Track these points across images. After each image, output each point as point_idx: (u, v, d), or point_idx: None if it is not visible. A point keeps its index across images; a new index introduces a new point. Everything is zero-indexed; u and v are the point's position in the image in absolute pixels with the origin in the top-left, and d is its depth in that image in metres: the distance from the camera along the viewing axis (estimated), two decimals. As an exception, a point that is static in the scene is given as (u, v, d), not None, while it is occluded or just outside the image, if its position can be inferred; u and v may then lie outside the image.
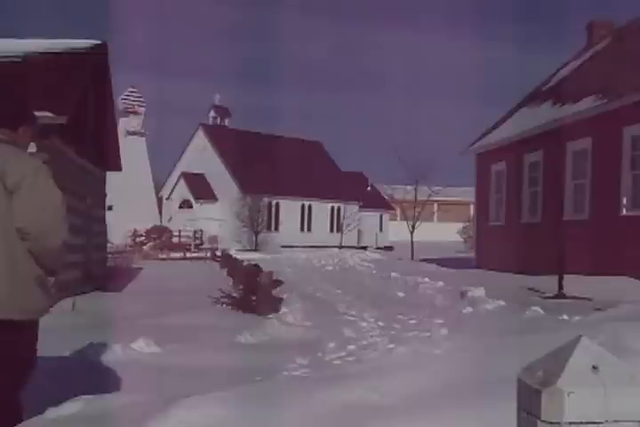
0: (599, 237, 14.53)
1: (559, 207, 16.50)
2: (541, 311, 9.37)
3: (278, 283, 10.94)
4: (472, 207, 32.89)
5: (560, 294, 11.71)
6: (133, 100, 47.34)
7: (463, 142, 24.15)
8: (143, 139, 48.01)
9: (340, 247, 41.46)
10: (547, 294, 11.93)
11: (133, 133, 46.35)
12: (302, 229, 47.66)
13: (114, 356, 6.54)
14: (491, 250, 20.39)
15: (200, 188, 45.98)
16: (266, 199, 43.17)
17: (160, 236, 39.59)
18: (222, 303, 10.58)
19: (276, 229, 45.52)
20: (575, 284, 11.93)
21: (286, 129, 53.49)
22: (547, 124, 17.16)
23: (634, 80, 14.24)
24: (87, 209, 14.33)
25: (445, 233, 47.68)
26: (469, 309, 10.45)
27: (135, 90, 47.51)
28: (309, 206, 47.89)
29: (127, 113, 46.54)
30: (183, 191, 46.38)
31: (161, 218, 47.20)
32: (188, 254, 32.86)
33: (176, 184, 46.98)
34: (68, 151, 12.57)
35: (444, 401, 3.29)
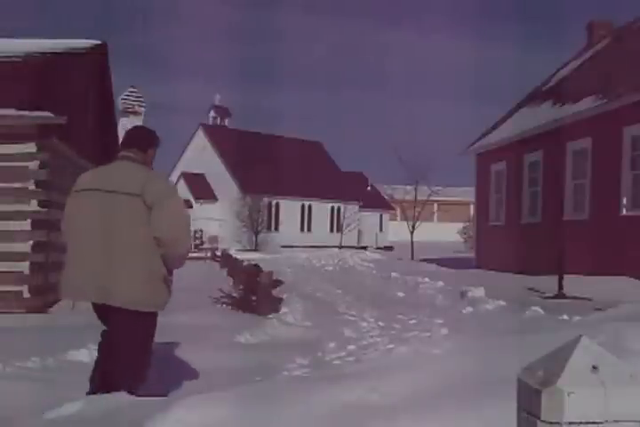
0: (599, 237, 14.53)
1: (559, 207, 16.49)
2: (541, 311, 9.37)
3: (278, 283, 10.93)
4: (472, 207, 32.90)
5: (560, 294, 11.71)
6: (133, 100, 47.25)
7: (463, 142, 24.19)
8: (143, 139, 48.00)
9: (340, 247, 41.47)
10: (547, 294, 11.94)
11: (133, 133, 46.34)
12: (302, 229, 47.66)
13: (114, 356, 6.54)
14: (491, 250, 20.39)
15: (200, 188, 45.99)
16: (266, 199, 43.18)
17: (160, 236, 39.56)
18: (222, 303, 10.57)
19: (276, 229, 45.52)
20: (575, 284, 11.93)
21: (286, 129, 53.54)
22: (547, 124, 17.16)
23: (634, 80, 14.24)
24: (87, 209, 14.34)
25: (445, 233, 47.70)
26: (469, 309, 10.46)
27: (135, 90, 47.42)
28: (309, 206, 47.89)
29: (127, 113, 46.48)
30: (183, 191, 46.36)
31: (161, 218, 47.17)
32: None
33: (176, 184, 46.99)
34: (68, 151, 12.56)
35: (444, 401, 3.29)
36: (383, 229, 52.39)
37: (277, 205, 45.89)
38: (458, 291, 12.42)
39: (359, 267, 24.12)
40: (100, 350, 4.28)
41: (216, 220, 44.37)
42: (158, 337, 7.14)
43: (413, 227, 34.82)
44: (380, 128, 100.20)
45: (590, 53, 20.47)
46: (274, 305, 10.30)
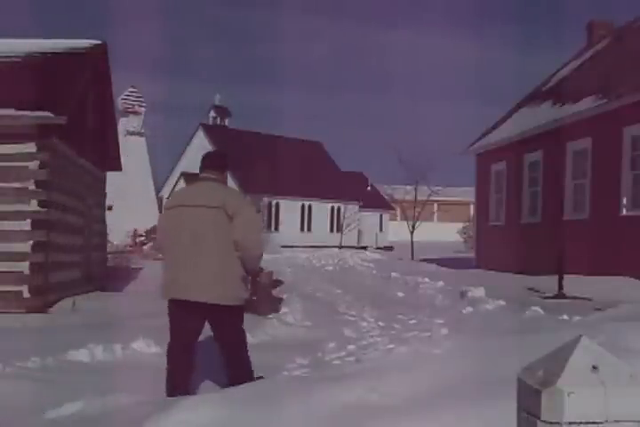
0: (599, 237, 14.53)
1: (559, 207, 16.49)
2: (541, 311, 9.37)
3: (278, 283, 10.93)
4: (472, 207, 32.89)
5: (560, 294, 11.71)
6: (133, 100, 47.28)
7: (463, 142, 24.18)
8: (143, 139, 47.96)
9: (340, 247, 41.45)
10: (547, 294, 11.94)
11: (133, 133, 46.31)
12: (302, 229, 47.64)
13: (114, 356, 6.54)
14: (491, 250, 20.39)
15: (200, 188, 45.94)
16: (266, 199, 43.15)
17: (160, 236, 39.54)
18: (222, 303, 10.57)
19: (276, 229, 45.50)
20: (575, 284, 11.93)
21: (286, 129, 53.49)
22: (547, 124, 17.16)
23: (634, 80, 14.24)
24: (87, 209, 14.33)
25: (445, 233, 47.69)
26: (469, 309, 10.45)
27: (135, 90, 47.45)
28: (309, 206, 47.87)
29: (127, 113, 46.49)
30: (183, 191, 46.32)
31: (161, 218, 47.15)
32: (188, 254, 32.80)
33: (176, 184, 46.96)
34: (68, 151, 12.56)
35: (444, 401, 3.29)
36: (383, 229, 52.38)
37: (277, 205, 45.87)
38: (458, 291, 12.41)
39: (359, 267, 24.12)
40: (180, 346, 4.79)
41: (216, 220, 44.35)
42: (158, 337, 7.15)
43: (413, 227, 34.80)
44: (380, 128, 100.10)
45: (590, 53, 20.47)
46: (274, 305, 10.30)
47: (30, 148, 10.94)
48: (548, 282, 12.45)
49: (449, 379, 3.66)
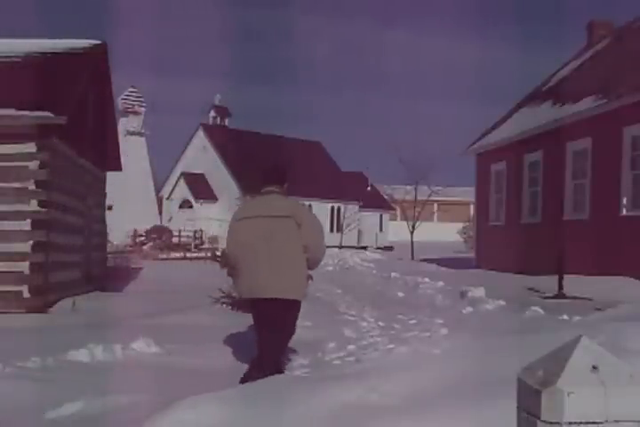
0: (599, 237, 14.53)
1: (559, 207, 16.49)
2: (541, 311, 9.36)
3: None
4: (472, 207, 32.89)
5: (560, 294, 11.71)
6: (133, 100, 47.29)
7: (463, 142, 24.18)
8: (143, 139, 47.97)
9: (340, 247, 41.44)
10: (547, 294, 11.93)
11: (133, 133, 46.32)
12: (302, 229, 47.58)
13: (114, 356, 6.54)
14: (491, 250, 20.39)
15: (200, 188, 45.97)
16: (266, 199, 43.10)
17: (160, 236, 39.55)
18: (222, 303, 10.56)
19: (276, 229, 45.46)
20: (575, 284, 11.93)
21: (286, 129, 53.48)
22: (547, 124, 17.16)
23: (634, 80, 14.24)
24: (87, 209, 14.33)
25: (445, 233, 47.68)
26: (469, 309, 10.45)
27: (135, 90, 47.46)
28: (309, 206, 47.83)
29: (127, 113, 46.49)
30: (183, 191, 46.35)
31: (161, 218, 47.16)
32: (189, 254, 32.82)
33: (176, 184, 46.95)
34: (68, 151, 12.56)
35: (444, 401, 3.29)
36: (383, 229, 52.37)
37: (277, 205, 45.84)
38: (458, 291, 12.41)
39: (359, 267, 24.12)
40: (262, 334, 5.46)
41: (216, 220, 44.35)
42: (158, 337, 7.16)
43: (413, 227, 34.79)
44: (381, 128, 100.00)
45: (590, 53, 20.47)
46: (274, 305, 10.28)
47: (30, 148, 10.94)
48: (548, 282, 12.45)
49: (449, 379, 3.66)
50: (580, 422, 1.50)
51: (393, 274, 17.80)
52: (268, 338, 5.41)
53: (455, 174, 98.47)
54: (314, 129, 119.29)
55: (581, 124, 15.54)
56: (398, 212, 44.90)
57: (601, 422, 1.50)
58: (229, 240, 5.52)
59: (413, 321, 9.40)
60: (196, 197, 45.71)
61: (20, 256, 10.73)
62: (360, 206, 49.48)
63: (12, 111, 10.76)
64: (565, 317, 8.68)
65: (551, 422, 1.50)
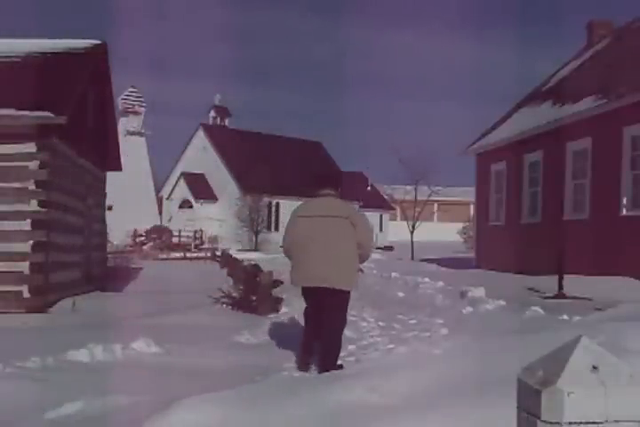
0: (599, 237, 14.52)
1: (559, 207, 16.49)
2: (541, 311, 9.35)
3: (278, 283, 10.92)
4: (472, 207, 32.89)
5: (560, 294, 11.70)
6: (133, 100, 47.30)
7: (463, 142, 24.16)
8: (143, 139, 47.98)
9: (340, 247, 41.35)
10: (547, 294, 11.93)
11: (133, 133, 46.32)
12: (302, 229, 47.56)
13: (114, 356, 6.54)
14: (491, 250, 20.38)
15: (200, 188, 45.96)
16: (266, 199, 43.13)
17: (160, 236, 39.56)
18: (222, 303, 10.57)
19: (276, 229, 45.50)
20: (575, 284, 11.92)
21: (286, 129, 53.47)
22: (547, 124, 17.15)
23: (634, 80, 14.24)
24: (87, 209, 14.33)
25: (445, 233, 47.66)
26: (469, 309, 10.44)
27: (135, 90, 47.47)
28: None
29: (127, 113, 46.50)
30: (183, 191, 46.35)
31: (161, 218, 47.17)
32: (189, 254, 32.82)
33: (176, 184, 46.95)
34: (68, 151, 12.56)
35: (444, 401, 3.29)
36: (383, 229, 52.38)
37: (277, 205, 45.87)
38: (458, 291, 12.40)
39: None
40: (310, 321, 6.28)
41: (216, 220, 44.35)
42: (158, 337, 7.15)
43: (413, 227, 34.78)
44: (381, 128, 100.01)
45: (590, 53, 20.46)
46: (274, 305, 10.30)
47: (30, 148, 10.94)
48: (548, 282, 12.44)
49: (449, 379, 3.67)
50: (580, 422, 1.50)
51: (393, 274, 17.79)
52: (324, 325, 6.06)
53: (455, 174, 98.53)
54: (314, 129, 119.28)
55: (581, 124, 15.53)
56: (398, 212, 44.90)
57: (601, 423, 1.50)
58: (289, 235, 6.20)
59: (413, 321, 9.40)
60: (196, 197, 45.71)
61: (20, 256, 10.73)
62: (360, 206, 49.48)
63: (12, 111, 10.76)
64: (565, 317, 8.67)
65: (551, 422, 1.50)
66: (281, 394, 3.74)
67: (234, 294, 10.81)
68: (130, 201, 41.45)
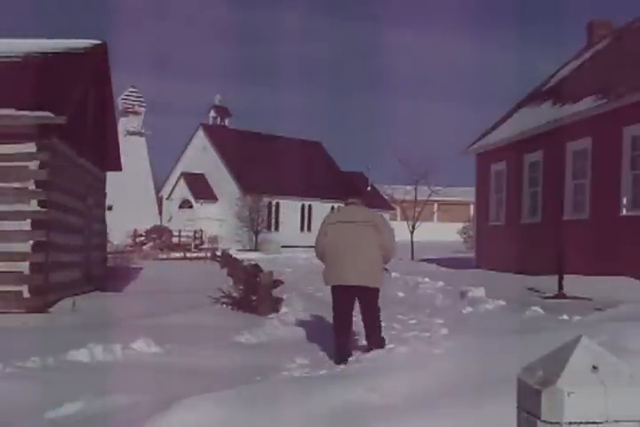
0: (599, 237, 14.52)
1: (559, 207, 16.49)
2: (541, 311, 9.35)
3: (278, 283, 10.93)
4: (472, 207, 32.88)
5: (560, 294, 11.70)
6: (133, 100, 47.29)
7: (463, 142, 24.15)
8: (143, 139, 47.98)
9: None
10: (547, 294, 11.93)
11: (133, 133, 46.32)
12: (302, 229, 47.62)
13: (114, 356, 6.54)
14: (491, 250, 20.38)
15: (200, 188, 45.96)
16: (266, 199, 43.12)
17: (160, 236, 39.56)
18: (222, 303, 10.57)
19: (276, 229, 45.50)
20: (575, 284, 11.92)
21: (286, 129, 53.42)
22: (547, 124, 17.15)
23: (634, 80, 14.24)
24: (87, 209, 14.33)
25: (445, 233, 47.62)
26: (469, 309, 10.44)
27: (135, 90, 47.47)
28: (309, 206, 47.86)
29: (127, 113, 46.50)
30: (183, 191, 46.34)
31: (161, 218, 47.17)
32: (188, 254, 32.83)
33: (176, 184, 46.95)
34: (68, 151, 12.56)
35: (444, 401, 3.29)
36: (383, 229, 52.27)
37: (277, 205, 45.87)
38: (458, 291, 12.41)
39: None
40: (338, 316, 6.88)
41: (216, 220, 44.35)
42: (158, 337, 7.16)
43: (413, 227, 34.76)
44: (381, 128, 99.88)
45: (590, 53, 20.46)
46: (274, 305, 10.30)
47: (30, 148, 10.93)
48: (548, 282, 12.44)
49: (449, 379, 3.67)
50: (580, 422, 1.50)
51: (393, 274, 17.76)
52: (363, 317, 6.90)
53: (455, 174, 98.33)
54: (314, 129, 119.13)
55: (581, 124, 15.53)
56: (398, 212, 44.85)
57: (601, 423, 1.50)
58: (323, 239, 6.87)
59: (413, 321, 9.40)
60: (196, 197, 45.71)
61: (20, 256, 10.73)
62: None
63: (12, 111, 10.76)
64: (565, 317, 8.68)
65: (551, 423, 1.50)
66: (281, 394, 3.74)
67: (234, 294, 10.81)
68: (130, 201, 41.45)
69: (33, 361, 5.98)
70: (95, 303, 11.38)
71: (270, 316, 9.66)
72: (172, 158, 50.54)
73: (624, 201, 14.03)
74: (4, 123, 10.78)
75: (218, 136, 46.73)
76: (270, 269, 11.50)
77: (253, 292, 10.49)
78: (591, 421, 1.50)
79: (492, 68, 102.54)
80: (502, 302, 10.59)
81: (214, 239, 41.61)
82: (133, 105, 47.08)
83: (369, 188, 52.85)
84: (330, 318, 9.93)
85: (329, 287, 6.98)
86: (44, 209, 10.93)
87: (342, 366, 6.17)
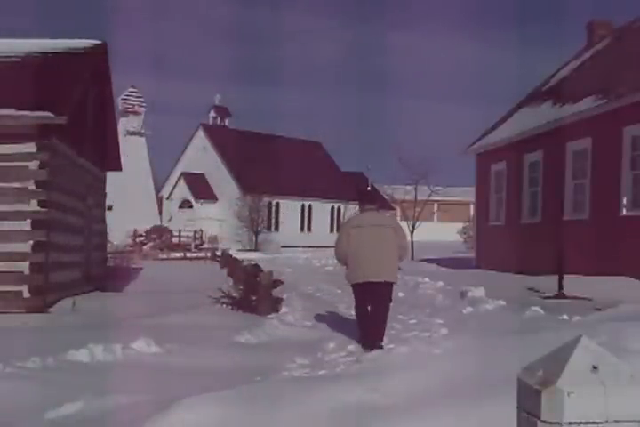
0: (599, 237, 14.53)
1: (559, 207, 16.49)
2: (541, 311, 9.36)
3: (278, 283, 10.93)
4: (472, 207, 32.88)
5: (560, 294, 11.70)
6: (133, 100, 47.30)
7: (463, 142, 24.15)
8: (143, 139, 47.99)
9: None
10: (547, 294, 11.93)
11: (133, 133, 46.33)
12: (302, 229, 47.65)
13: (114, 356, 6.54)
14: (491, 250, 20.38)
15: (200, 188, 45.97)
16: (266, 199, 43.13)
17: (160, 236, 39.57)
18: (222, 303, 10.57)
19: (276, 229, 45.50)
20: (575, 284, 11.92)
21: (286, 129, 53.45)
22: (547, 124, 17.15)
23: (634, 80, 14.24)
24: (87, 209, 14.33)
25: (445, 233, 47.62)
26: (469, 309, 10.44)
27: (135, 90, 47.47)
28: (309, 206, 47.88)
29: (127, 113, 46.51)
30: (183, 191, 46.35)
31: (161, 218, 47.18)
32: (189, 254, 32.82)
33: (176, 184, 46.96)
34: (68, 151, 12.56)
35: (444, 401, 3.29)
36: (383, 229, 52.26)
37: (277, 205, 45.87)
38: (458, 291, 12.41)
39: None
40: (363, 308, 7.54)
41: (216, 220, 44.36)
42: (158, 337, 7.16)
43: (413, 227, 34.75)
44: (380, 128, 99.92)
45: (590, 53, 20.46)
46: (274, 305, 10.29)
47: (30, 148, 10.93)
48: (548, 282, 12.44)
49: (449, 379, 3.67)
50: (580, 422, 1.50)
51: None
52: (376, 308, 7.54)
53: (455, 174, 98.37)
54: (314, 129, 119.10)
55: (581, 124, 15.54)
56: (398, 212, 44.82)
57: (601, 422, 1.50)
58: (347, 241, 7.54)
59: (413, 321, 9.40)
60: (196, 197, 45.72)
61: (20, 256, 10.73)
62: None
63: (12, 111, 10.76)
64: (565, 317, 8.68)
65: (551, 423, 1.50)
66: (281, 394, 3.75)
67: (234, 294, 10.81)
68: (130, 201, 41.46)
69: (33, 361, 5.98)
70: (95, 303, 11.38)
71: (270, 316, 9.65)
72: (172, 158, 50.60)
73: (624, 201, 14.03)
74: (3, 123, 10.78)
75: (218, 136, 46.74)
76: (270, 269, 11.50)
77: (253, 292, 10.49)
78: (591, 421, 1.50)
79: (493, 68, 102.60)
80: (502, 302, 10.59)
81: (214, 239, 41.62)
82: (133, 105, 47.08)
83: (369, 188, 52.87)
84: (330, 317, 9.98)
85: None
86: (44, 209, 10.93)
87: (375, 352, 6.78)
